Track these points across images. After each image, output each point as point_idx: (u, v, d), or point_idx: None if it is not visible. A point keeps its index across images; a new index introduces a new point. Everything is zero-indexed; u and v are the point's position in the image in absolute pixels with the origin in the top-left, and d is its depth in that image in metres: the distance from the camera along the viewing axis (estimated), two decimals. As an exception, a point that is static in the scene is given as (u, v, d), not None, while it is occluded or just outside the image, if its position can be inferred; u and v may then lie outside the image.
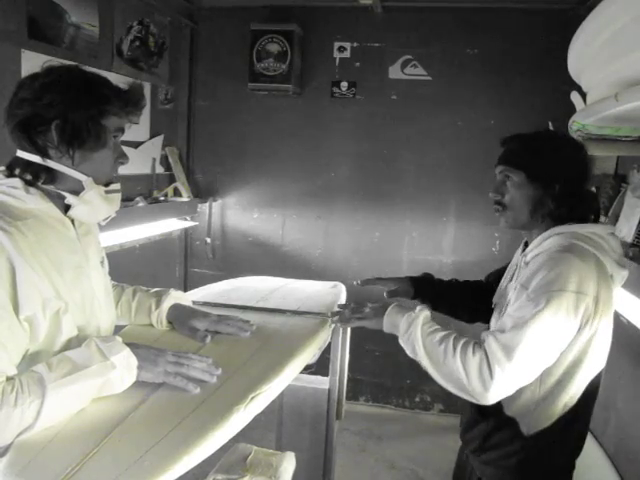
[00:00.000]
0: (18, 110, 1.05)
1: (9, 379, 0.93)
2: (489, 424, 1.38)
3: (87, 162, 1.09)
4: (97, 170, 1.11)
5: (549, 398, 1.28)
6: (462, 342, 1.25)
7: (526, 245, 1.43)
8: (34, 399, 0.91)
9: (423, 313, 1.34)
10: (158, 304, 1.35)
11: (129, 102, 1.13)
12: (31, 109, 1.04)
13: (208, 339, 1.28)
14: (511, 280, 1.42)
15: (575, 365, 1.26)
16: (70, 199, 1.09)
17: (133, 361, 1.04)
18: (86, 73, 1.11)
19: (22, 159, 1.07)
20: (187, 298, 1.48)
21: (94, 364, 0.99)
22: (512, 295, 1.34)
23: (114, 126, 1.12)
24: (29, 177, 1.06)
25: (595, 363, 1.30)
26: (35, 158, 1.06)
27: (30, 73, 1.09)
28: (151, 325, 1.37)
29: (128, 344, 1.07)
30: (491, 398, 1.21)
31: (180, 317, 1.36)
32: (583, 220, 1.33)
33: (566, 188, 1.32)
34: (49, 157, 1.07)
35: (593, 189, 2.19)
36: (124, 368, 1.02)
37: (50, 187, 1.08)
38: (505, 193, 1.38)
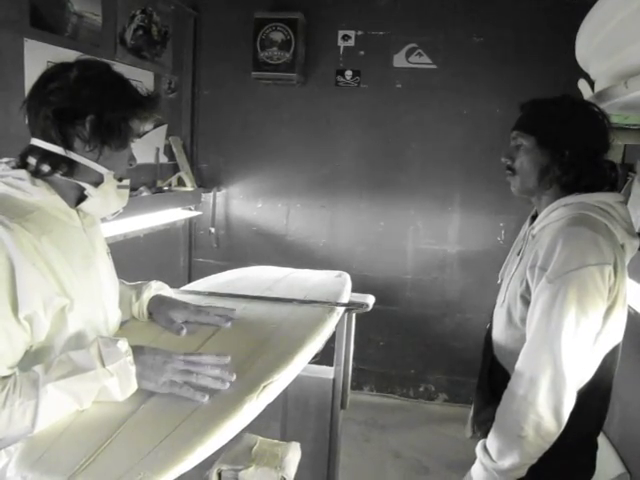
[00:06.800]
0: (52, 98, 1.03)
1: (3, 379, 0.93)
2: None
3: (108, 159, 1.10)
4: (115, 167, 1.13)
5: None
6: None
7: (533, 219, 1.41)
8: (24, 400, 0.90)
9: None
10: (138, 296, 1.33)
11: (152, 109, 1.16)
12: (68, 100, 1.04)
13: (184, 332, 1.25)
14: (519, 254, 1.40)
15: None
16: (90, 190, 1.10)
17: (131, 370, 0.99)
18: (120, 74, 1.13)
19: (40, 148, 1.06)
20: (169, 289, 1.45)
21: (92, 369, 0.95)
22: (517, 270, 1.34)
23: (137, 129, 1.15)
24: (47, 168, 1.05)
25: (611, 336, 1.26)
26: (57, 149, 1.05)
27: (59, 62, 1.09)
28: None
29: (134, 348, 1.02)
30: (565, 414, 1.21)
31: (159, 308, 1.32)
32: (593, 189, 1.29)
33: (576, 155, 1.29)
34: (72, 149, 1.07)
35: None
36: (121, 377, 0.98)
37: (67, 179, 1.08)
38: (516, 158, 1.38)
